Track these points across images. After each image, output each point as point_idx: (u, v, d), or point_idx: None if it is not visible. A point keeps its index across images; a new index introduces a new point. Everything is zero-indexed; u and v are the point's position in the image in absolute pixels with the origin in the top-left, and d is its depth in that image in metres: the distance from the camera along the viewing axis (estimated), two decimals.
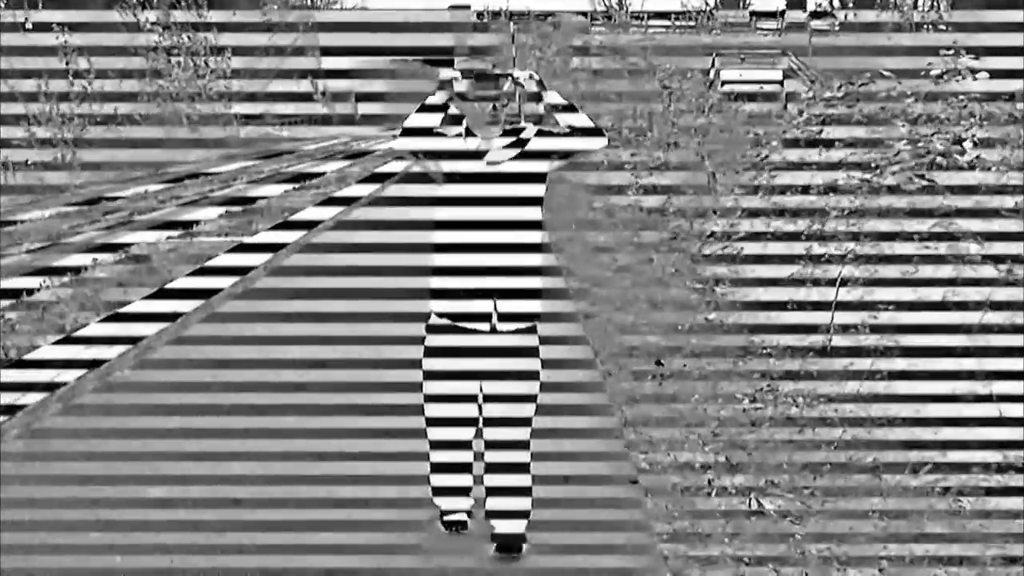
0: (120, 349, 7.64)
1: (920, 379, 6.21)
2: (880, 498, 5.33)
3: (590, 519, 5.03)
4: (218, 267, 10.41)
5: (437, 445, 4.87)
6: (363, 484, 5.35)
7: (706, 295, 8.00)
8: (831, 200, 7.26)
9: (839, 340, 6.67)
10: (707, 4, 33.03)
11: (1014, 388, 6.02)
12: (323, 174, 18.56)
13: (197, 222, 12.83)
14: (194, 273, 10.07)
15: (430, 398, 4.80)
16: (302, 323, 7.69)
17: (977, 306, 6.33)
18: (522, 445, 4.82)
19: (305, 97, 25.24)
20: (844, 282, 6.78)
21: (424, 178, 4.70)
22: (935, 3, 27.43)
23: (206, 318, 8.58)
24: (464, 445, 4.87)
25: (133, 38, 22.08)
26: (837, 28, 28.99)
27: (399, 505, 5.14)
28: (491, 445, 4.86)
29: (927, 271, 6.80)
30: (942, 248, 6.82)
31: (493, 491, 4.92)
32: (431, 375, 4.78)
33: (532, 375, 4.75)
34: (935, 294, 6.62)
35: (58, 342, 7.92)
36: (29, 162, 18.57)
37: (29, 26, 22.09)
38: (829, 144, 7.82)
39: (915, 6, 27.38)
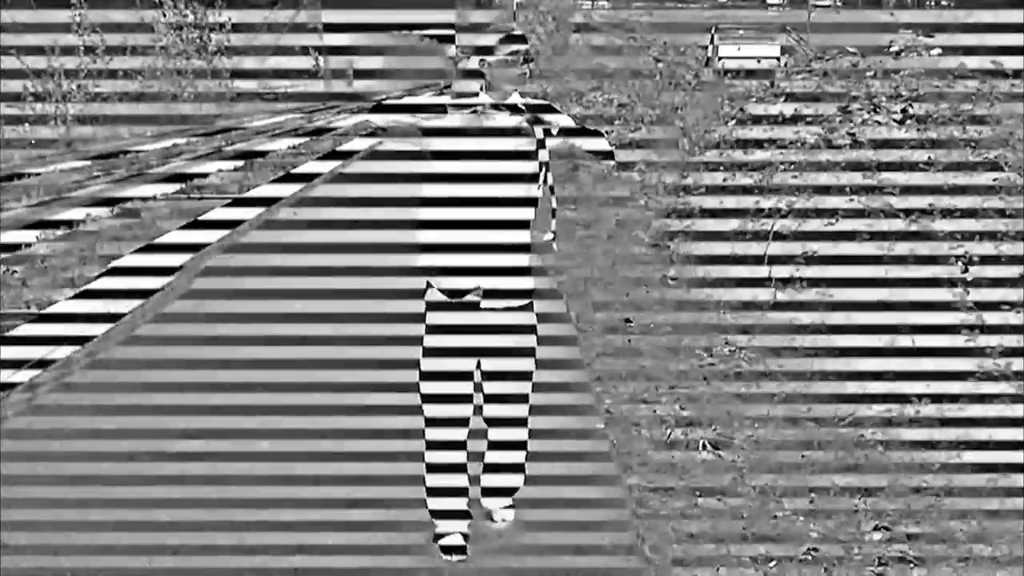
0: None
1: (849, 332, 6.94)
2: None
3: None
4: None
5: (432, 423, 4.88)
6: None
7: (662, 250, 8.73)
8: (777, 154, 8.00)
9: (781, 296, 7.40)
10: None
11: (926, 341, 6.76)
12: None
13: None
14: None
15: (427, 375, 4.83)
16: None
17: (892, 260, 7.06)
18: (520, 422, 4.99)
19: (305, 73, 25.76)
20: (781, 235, 7.52)
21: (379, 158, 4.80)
22: None
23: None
24: (462, 423, 4.85)
25: (141, 15, 22.65)
26: (839, 4, 29.47)
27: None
28: (491, 422, 5.00)
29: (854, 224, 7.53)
30: (873, 203, 7.53)
31: (490, 468, 5.07)
32: (431, 352, 4.82)
33: (528, 352, 4.88)
34: (860, 247, 7.35)
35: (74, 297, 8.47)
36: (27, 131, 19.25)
37: None
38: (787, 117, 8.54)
39: None
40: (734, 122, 8.88)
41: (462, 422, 4.84)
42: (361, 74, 26.08)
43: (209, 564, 4.75)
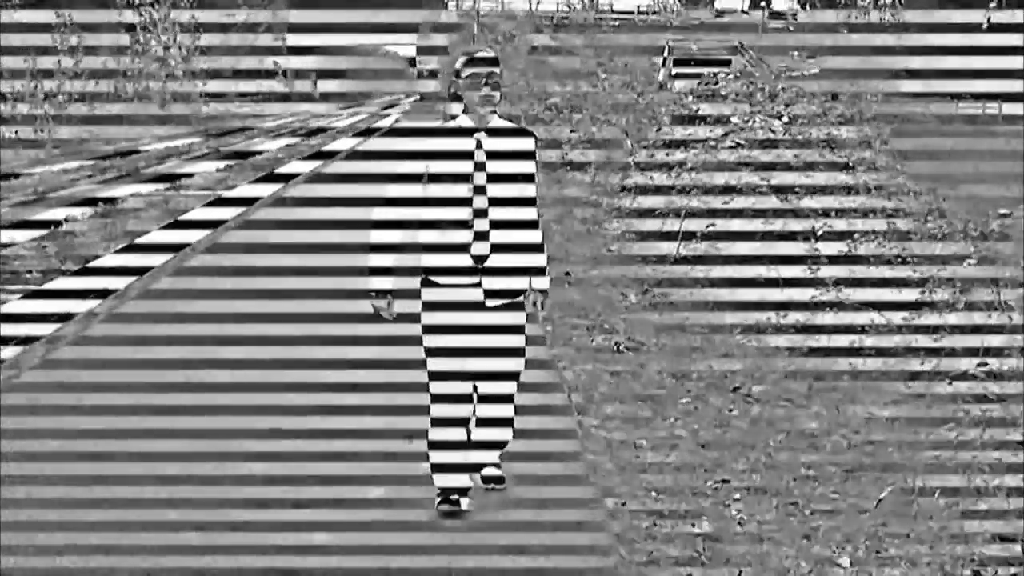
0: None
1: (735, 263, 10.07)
2: None
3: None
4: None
5: (438, 399, 5.44)
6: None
7: (611, 230, 11.70)
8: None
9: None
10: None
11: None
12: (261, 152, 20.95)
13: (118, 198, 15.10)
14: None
15: (430, 352, 5.39)
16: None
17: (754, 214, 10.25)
18: (508, 399, 5.55)
19: (269, 74, 27.91)
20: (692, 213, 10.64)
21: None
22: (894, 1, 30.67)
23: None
24: (464, 399, 5.44)
25: (120, 15, 24.87)
26: (791, 28, 32.23)
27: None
28: (482, 399, 5.52)
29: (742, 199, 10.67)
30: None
31: (480, 422, 5.58)
32: (429, 330, 5.37)
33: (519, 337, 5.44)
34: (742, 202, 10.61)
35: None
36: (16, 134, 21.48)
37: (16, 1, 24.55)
38: (702, 119, 11.64)
39: (875, 5, 30.67)
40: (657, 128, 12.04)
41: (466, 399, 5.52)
42: (324, 75, 28.38)
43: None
